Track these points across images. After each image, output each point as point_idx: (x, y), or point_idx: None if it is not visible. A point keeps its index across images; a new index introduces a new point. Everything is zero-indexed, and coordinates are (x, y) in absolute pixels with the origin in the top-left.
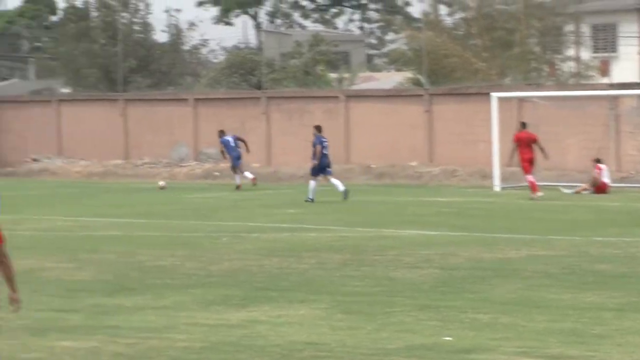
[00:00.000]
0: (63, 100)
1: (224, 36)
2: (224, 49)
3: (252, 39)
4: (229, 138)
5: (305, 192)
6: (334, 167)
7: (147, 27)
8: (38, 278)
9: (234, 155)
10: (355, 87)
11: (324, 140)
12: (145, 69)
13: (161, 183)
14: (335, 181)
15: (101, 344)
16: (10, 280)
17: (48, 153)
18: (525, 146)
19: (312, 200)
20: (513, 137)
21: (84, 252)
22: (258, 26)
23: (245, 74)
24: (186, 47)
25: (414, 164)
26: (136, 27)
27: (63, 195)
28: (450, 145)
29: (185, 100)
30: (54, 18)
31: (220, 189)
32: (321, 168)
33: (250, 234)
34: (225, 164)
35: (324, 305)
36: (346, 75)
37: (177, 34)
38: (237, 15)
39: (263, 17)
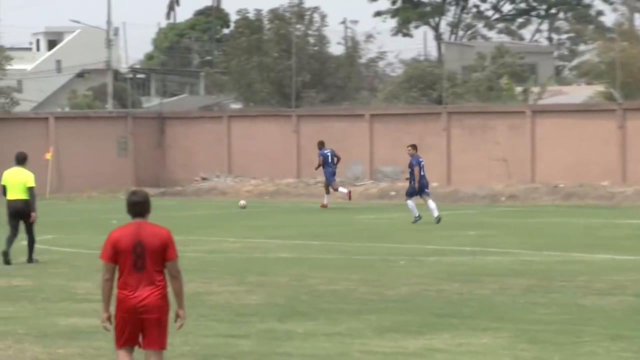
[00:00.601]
0: (233, 116)
1: (402, 48)
2: (403, 61)
3: (433, 51)
4: (328, 152)
5: (488, 213)
6: (519, 187)
7: (322, 39)
8: (205, 302)
9: (329, 170)
10: (542, 102)
11: (421, 160)
12: (320, 83)
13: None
14: (432, 204)
15: None
16: (178, 295)
17: (217, 171)
18: None
19: (419, 217)
20: None
21: (254, 274)
22: (439, 37)
23: (424, 88)
24: (363, 60)
25: (605, 183)
26: (311, 40)
27: (232, 215)
28: None
29: (361, 116)
30: (225, 31)
31: (396, 210)
32: (420, 189)
33: (428, 257)
34: (390, 184)
35: (507, 333)
36: (533, 88)
37: (353, 46)
38: (416, 27)
39: (444, 28)
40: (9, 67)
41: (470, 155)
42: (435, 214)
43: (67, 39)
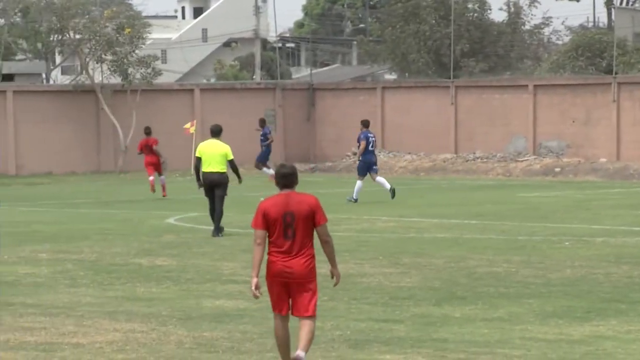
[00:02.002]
0: (388, 87)
1: (569, 14)
2: (569, 28)
3: (602, 16)
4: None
5: None
6: None
7: (482, 5)
8: (357, 284)
9: (267, 150)
10: None
11: (371, 135)
12: (480, 52)
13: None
14: (380, 180)
15: (427, 358)
16: (331, 258)
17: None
18: None
19: (356, 200)
20: None
21: (409, 255)
22: (609, 2)
23: (592, 56)
24: (526, 27)
25: None
26: (470, 5)
27: (385, 193)
28: None
29: (524, 87)
30: None
31: (561, 187)
32: (368, 166)
33: (595, 238)
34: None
35: None
36: None
37: (516, 12)
38: None
39: None
40: (148, 35)
41: None
42: (387, 186)
43: (213, 6)
